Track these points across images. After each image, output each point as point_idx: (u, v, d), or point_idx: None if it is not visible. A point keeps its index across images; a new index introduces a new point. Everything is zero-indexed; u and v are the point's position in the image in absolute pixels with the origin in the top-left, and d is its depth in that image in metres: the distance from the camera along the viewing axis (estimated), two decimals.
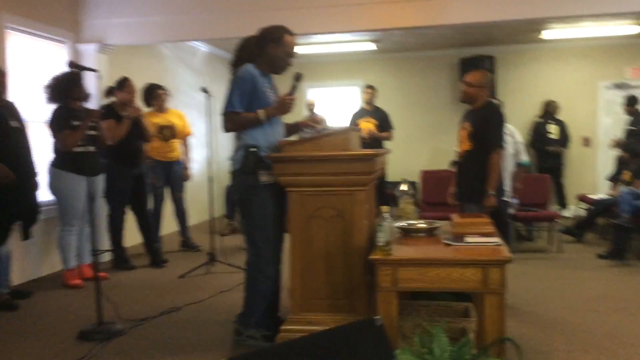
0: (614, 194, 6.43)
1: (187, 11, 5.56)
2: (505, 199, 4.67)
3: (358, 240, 3.00)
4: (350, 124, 7.47)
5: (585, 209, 7.36)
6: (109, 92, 5.37)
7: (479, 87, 4.09)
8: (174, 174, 6.15)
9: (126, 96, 5.25)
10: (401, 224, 3.27)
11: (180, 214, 6.34)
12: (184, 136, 6.29)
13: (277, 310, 3.41)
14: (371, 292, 2.90)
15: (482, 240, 2.88)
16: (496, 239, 2.88)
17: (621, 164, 7.25)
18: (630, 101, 7.61)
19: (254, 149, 3.11)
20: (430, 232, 3.20)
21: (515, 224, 6.31)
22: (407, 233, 3.20)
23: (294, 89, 3.24)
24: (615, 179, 6.92)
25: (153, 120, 5.89)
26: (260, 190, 3.13)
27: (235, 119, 3.12)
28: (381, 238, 2.69)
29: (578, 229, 6.59)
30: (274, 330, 3.13)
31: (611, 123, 8.73)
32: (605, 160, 8.35)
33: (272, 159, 3.04)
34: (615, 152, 7.17)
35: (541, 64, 9.06)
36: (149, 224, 5.65)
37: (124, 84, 5.28)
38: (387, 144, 7.53)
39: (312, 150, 3.00)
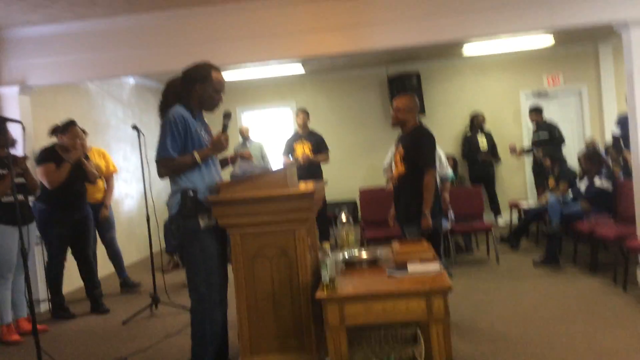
0: (542, 201, 6.72)
1: (109, 48, 5.43)
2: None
3: (303, 277, 3.01)
4: (285, 149, 7.49)
5: (518, 217, 7.68)
6: (54, 131, 5.19)
7: (407, 111, 4.21)
8: (104, 216, 5.98)
9: (69, 141, 5.10)
10: (344, 256, 3.31)
11: (114, 255, 6.12)
12: (108, 174, 6.09)
13: (226, 355, 3.36)
14: (320, 328, 2.91)
15: (423, 268, 2.95)
16: (436, 266, 2.96)
17: (537, 171, 7.66)
18: (537, 110, 8.08)
19: (192, 193, 3.06)
20: (372, 262, 3.25)
21: (453, 237, 6.49)
22: (351, 265, 3.24)
23: (225, 127, 3.22)
24: (539, 186, 7.25)
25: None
26: (200, 234, 3.08)
27: (170, 164, 3.07)
28: (325, 275, 2.71)
29: (513, 238, 6.85)
30: None
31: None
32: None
33: (212, 202, 3.01)
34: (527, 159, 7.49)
35: (464, 78, 9.43)
36: (92, 269, 5.45)
37: (67, 128, 5.13)
38: (323, 166, 7.60)
39: (251, 190, 2.99)
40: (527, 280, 5.35)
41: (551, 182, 6.85)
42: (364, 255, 3.35)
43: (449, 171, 5.77)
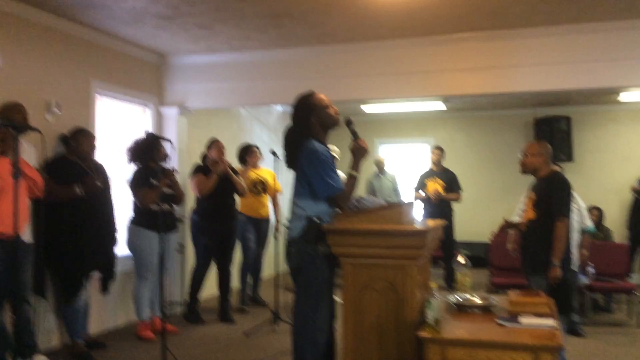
0: None
1: (261, 78, 5.88)
2: (574, 268, 4.52)
3: (410, 315, 3.00)
4: (418, 184, 7.49)
5: None
6: (209, 146, 5.73)
7: (536, 156, 4.06)
8: (262, 231, 6.36)
9: (214, 154, 5.60)
10: (456, 299, 3.25)
11: (257, 270, 6.50)
12: (273, 193, 6.50)
13: None
14: None
15: (537, 321, 2.82)
16: (551, 322, 2.81)
17: None
18: None
19: (317, 221, 3.19)
20: (485, 309, 3.16)
21: (592, 294, 6.02)
22: (461, 309, 3.17)
23: (355, 133, 3.32)
24: None
25: (248, 176, 6.18)
26: (317, 260, 3.20)
27: (346, 195, 3.21)
28: (430, 315, 2.69)
29: None
30: None
31: None
32: None
33: (328, 230, 3.13)
34: None
35: (620, 125, 8.78)
36: (228, 281, 5.85)
37: (211, 145, 5.66)
38: (455, 205, 7.47)
39: (365, 222, 3.07)
40: None
41: None
42: (477, 300, 3.27)
43: (589, 223, 5.37)
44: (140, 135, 5.18)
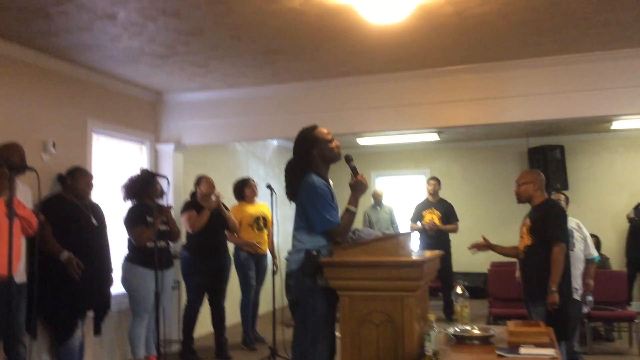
0: None
1: (257, 113, 5.95)
2: (576, 297, 4.49)
3: (409, 347, 2.97)
4: (414, 215, 7.50)
5: None
6: (197, 182, 5.75)
7: (527, 185, 4.11)
8: (261, 266, 6.32)
9: (204, 189, 5.62)
10: (455, 330, 3.23)
11: (254, 305, 6.43)
12: (270, 228, 6.47)
13: None
14: None
15: (537, 352, 2.79)
16: (552, 352, 2.79)
17: None
18: None
19: (316, 254, 3.19)
20: (484, 340, 3.13)
21: (592, 323, 5.96)
22: (461, 340, 3.15)
23: (355, 169, 3.34)
24: None
25: (248, 211, 6.18)
26: (316, 293, 3.18)
27: (343, 229, 3.22)
28: (429, 347, 2.67)
29: None
30: None
31: None
32: None
33: (325, 263, 3.12)
34: None
35: (613, 153, 8.86)
36: (223, 318, 5.80)
37: (200, 180, 5.69)
38: (452, 236, 7.47)
39: (363, 255, 3.07)
40: None
41: None
42: (476, 331, 3.24)
43: (595, 253, 5.27)
44: (136, 172, 5.19)
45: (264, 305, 7.75)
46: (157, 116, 6.24)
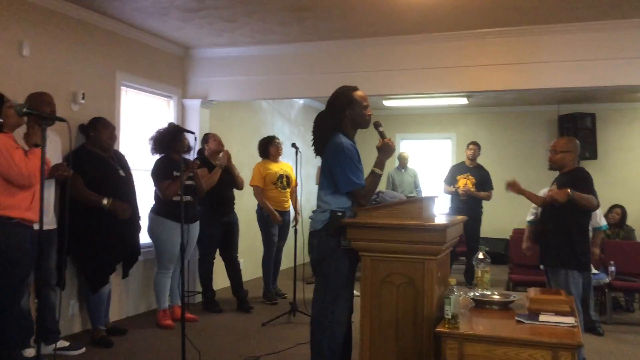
0: None
1: (284, 71, 5.90)
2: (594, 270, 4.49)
3: (428, 309, 3.01)
4: (448, 178, 7.42)
5: None
6: (205, 140, 5.79)
7: (565, 153, 4.05)
8: (284, 223, 6.39)
9: (213, 146, 5.66)
10: (474, 295, 3.25)
11: (276, 262, 6.54)
12: (293, 187, 6.53)
13: None
14: None
15: (556, 319, 2.81)
16: (571, 320, 2.80)
17: None
18: None
19: (340, 214, 3.22)
20: (504, 306, 3.16)
21: (612, 293, 5.94)
22: (480, 305, 3.17)
23: (382, 133, 3.37)
24: None
25: (272, 169, 6.24)
26: (338, 253, 3.23)
27: (363, 192, 3.24)
28: (448, 311, 2.70)
29: None
30: None
31: None
32: None
33: (348, 224, 3.15)
34: None
35: None
36: (238, 270, 5.92)
37: (207, 138, 5.73)
38: (485, 203, 7.41)
39: (386, 217, 3.09)
40: None
41: None
42: (496, 296, 3.26)
43: (602, 221, 5.30)
44: (163, 126, 5.23)
45: (285, 262, 7.89)
46: (184, 71, 6.24)
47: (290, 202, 6.42)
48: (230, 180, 5.73)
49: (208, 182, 5.47)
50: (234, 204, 5.92)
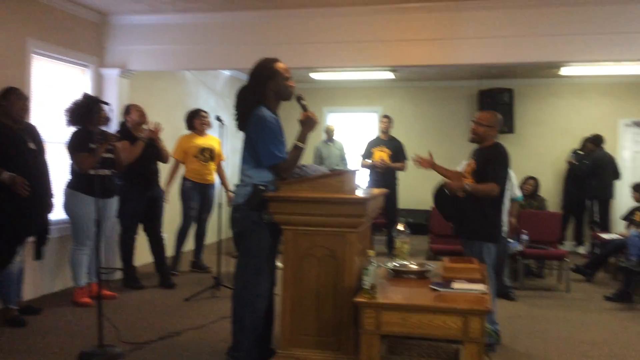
0: (626, 234, 6.38)
1: (207, 41, 5.75)
2: (505, 236, 4.70)
3: (348, 281, 3.07)
4: (365, 152, 7.57)
5: (592, 248, 7.34)
6: (126, 111, 5.58)
7: (488, 127, 4.09)
8: (207, 197, 6.32)
9: (135, 117, 5.47)
10: (393, 265, 3.34)
11: (200, 236, 6.50)
12: (219, 161, 6.44)
13: (269, 343, 3.49)
14: (358, 331, 2.96)
15: (468, 287, 2.93)
16: (482, 287, 2.93)
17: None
18: (595, 140, 8.03)
19: (263, 188, 3.20)
20: (421, 275, 3.26)
21: (525, 260, 6.27)
22: (398, 274, 3.27)
23: (305, 107, 3.35)
24: (629, 219, 6.87)
25: (194, 142, 6.13)
26: (260, 226, 3.22)
27: (289, 164, 3.23)
28: (366, 281, 2.76)
29: (588, 268, 6.54)
30: None
31: (630, 160, 8.73)
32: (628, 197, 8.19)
33: (270, 198, 3.14)
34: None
35: (560, 99, 9.09)
36: (161, 245, 5.81)
37: (129, 109, 5.52)
38: (399, 173, 7.60)
39: (308, 191, 3.10)
40: (593, 314, 5.11)
41: (638, 216, 6.49)
42: (414, 266, 3.37)
43: (517, 192, 5.59)
44: (79, 97, 4.99)
45: (211, 237, 7.81)
46: (101, 39, 5.95)
47: (213, 175, 6.36)
48: (154, 153, 5.57)
49: (130, 155, 5.30)
50: (158, 177, 5.77)
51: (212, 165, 6.29)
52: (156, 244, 5.77)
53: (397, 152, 7.48)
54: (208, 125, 6.28)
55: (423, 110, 9.68)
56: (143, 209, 5.59)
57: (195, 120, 6.19)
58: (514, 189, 5.40)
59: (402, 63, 5.63)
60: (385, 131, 7.61)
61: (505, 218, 4.98)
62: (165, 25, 5.81)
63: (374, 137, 7.81)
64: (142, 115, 5.51)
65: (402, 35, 5.35)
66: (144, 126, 5.48)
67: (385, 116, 7.75)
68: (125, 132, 5.42)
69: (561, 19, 5.01)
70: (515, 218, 5.55)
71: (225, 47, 5.74)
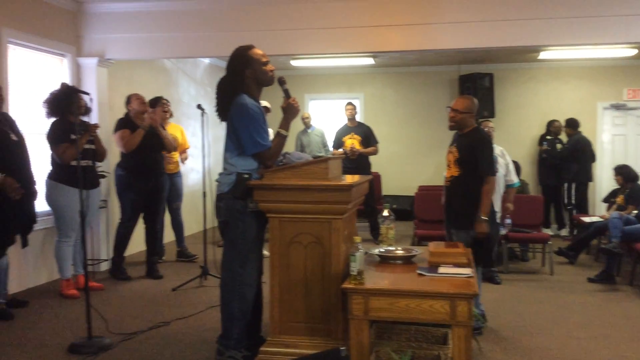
0: (607, 217, 6.47)
1: (186, 29, 5.69)
2: (496, 220, 4.72)
3: (335, 267, 3.09)
4: (335, 142, 7.55)
5: (571, 230, 7.45)
6: (128, 101, 5.54)
7: (466, 113, 4.08)
8: (173, 186, 6.29)
9: (136, 106, 5.43)
10: (379, 251, 3.36)
11: (177, 224, 6.49)
12: (183, 149, 6.43)
13: (259, 331, 3.50)
14: (347, 317, 2.98)
15: (454, 271, 2.96)
16: (468, 271, 2.96)
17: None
18: (573, 124, 8.12)
19: (247, 177, 3.18)
20: (407, 260, 3.28)
21: (509, 244, 6.34)
22: (385, 260, 3.29)
23: (287, 92, 3.33)
24: (610, 201, 6.97)
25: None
26: (246, 215, 3.21)
27: (273, 152, 3.21)
28: (353, 267, 2.78)
29: (571, 251, 6.63)
30: (255, 351, 3.22)
31: (609, 143, 8.86)
32: (609, 180, 8.32)
33: (254, 186, 3.13)
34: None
35: (539, 83, 9.17)
36: (157, 237, 5.79)
37: (130, 99, 5.49)
38: (383, 159, 7.61)
39: (293, 178, 3.10)
40: (577, 295, 5.20)
41: (620, 198, 6.60)
42: (400, 251, 3.39)
43: (515, 179, 5.55)
44: (57, 87, 4.91)
45: (195, 226, 7.79)
46: (78, 27, 5.85)
47: (178, 164, 6.40)
48: (157, 143, 5.53)
49: (129, 144, 5.27)
50: (162, 168, 5.72)
51: (176, 156, 6.29)
52: (152, 236, 5.75)
53: (367, 137, 7.46)
54: (169, 113, 6.23)
55: (404, 95, 9.70)
56: (144, 199, 5.55)
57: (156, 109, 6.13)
58: (511, 175, 5.36)
59: (381, 49, 5.62)
60: (351, 118, 7.56)
61: (498, 203, 5.03)
62: (143, 12, 5.73)
63: (342, 125, 7.74)
64: (142, 103, 5.48)
65: (380, 21, 5.35)
66: (145, 115, 5.44)
67: (349, 103, 7.65)
68: (129, 121, 5.41)
69: (540, 3, 5.05)
70: (512, 204, 5.51)
71: (204, 34, 5.69)
